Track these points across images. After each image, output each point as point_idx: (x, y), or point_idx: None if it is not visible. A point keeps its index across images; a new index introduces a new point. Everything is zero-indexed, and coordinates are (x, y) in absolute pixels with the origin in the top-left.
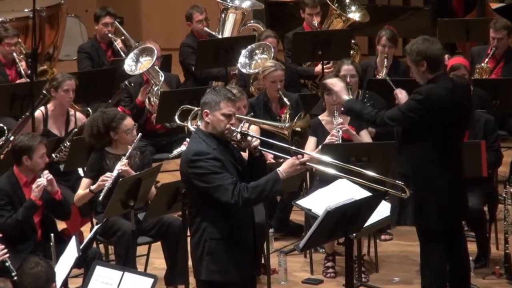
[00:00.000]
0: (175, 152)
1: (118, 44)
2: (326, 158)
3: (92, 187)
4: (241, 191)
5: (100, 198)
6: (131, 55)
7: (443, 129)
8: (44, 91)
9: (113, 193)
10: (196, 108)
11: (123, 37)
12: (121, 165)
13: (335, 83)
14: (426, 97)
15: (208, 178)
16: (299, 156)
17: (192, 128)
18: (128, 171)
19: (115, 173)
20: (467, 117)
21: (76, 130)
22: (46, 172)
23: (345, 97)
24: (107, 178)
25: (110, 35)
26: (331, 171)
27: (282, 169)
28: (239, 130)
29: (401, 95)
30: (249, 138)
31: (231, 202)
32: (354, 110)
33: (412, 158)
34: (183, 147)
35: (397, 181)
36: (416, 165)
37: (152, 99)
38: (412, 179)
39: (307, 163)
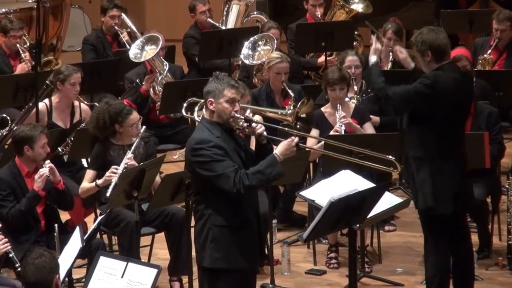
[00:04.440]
0: (179, 154)
1: (124, 36)
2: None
3: (99, 182)
4: (242, 179)
5: (108, 195)
6: (137, 42)
7: (448, 116)
8: (47, 82)
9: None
10: (202, 101)
11: (128, 30)
12: (127, 159)
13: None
14: (434, 82)
15: (210, 166)
16: (293, 137)
17: (197, 119)
18: (135, 166)
19: (121, 167)
20: (469, 107)
21: (83, 124)
22: (47, 161)
23: (373, 58)
24: (114, 174)
25: (116, 27)
26: (326, 152)
27: (278, 152)
28: (243, 117)
29: (402, 55)
30: (253, 124)
31: (233, 190)
32: (371, 73)
33: (420, 142)
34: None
35: (388, 156)
36: (424, 150)
37: (156, 88)
38: (423, 163)
39: (301, 144)
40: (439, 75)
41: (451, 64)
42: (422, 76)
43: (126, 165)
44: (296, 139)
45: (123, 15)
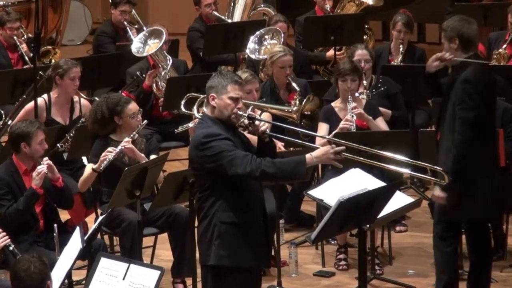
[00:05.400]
0: (181, 128)
1: (134, 34)
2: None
3: (94, 166)
4: (260, 162)
5: (101, 169)
6: (140, 36)
7: (486, 112)
8: (40, 72)
9: (112, 173)
10: (202, 96)
11: (136, 26)
12: (125, 142)
13: None
14: (475, 80)
15: (220, 156)
16: (334, 145)
17: (198, 116)
18: (132, 149)
19: (118, 149)
20: (495, 103)
21: (83, 120)
22: (45, 158)
23: None
24: (109, 153)
25: (125, 23)
26: (362, 159)
27: (314, 154)
28: (246, 114)
29: None
30: (256, 122)
31: (247, 170)
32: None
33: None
34: (190, 124)
35: (436, 167)
36: (471, 152)
37: (160, 83)
38: (468, 169)
39: (345, 154)
40: (473, 70)
41: (478, 57)
42: (462, 82)
43: (122, 147)
44: (339, 148)
45: (134, 11)
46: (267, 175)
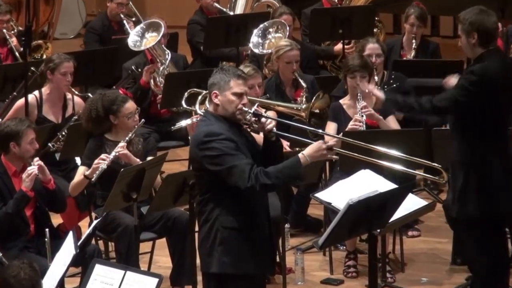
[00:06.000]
0: (178, 125)
1: (131, 27)
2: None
3: (87, 172)
4: (258, 175)
5: (93, 179)
6: (137, 29)
7: (498, 110)
8: (32, 68)
9: (107, 175)
10: (204, 91)
11: (134, 19)
12: (119, 147)
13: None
14: (481, 77)
15: (221, 159)
16: (326, 140)
17: (200, 112)
18: (127, 155)
19: (112, 154)
20: None
21: (75, 117)
22: (36, 159)
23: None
24: (102, 161)
25: (122, 16)
26: (356, 155)
27: (306, 153)
28: (251, 111)
29: (450, 82)
30: (263, 119)
31: (247, 185)
32: (394, 100)
33: (470, 143)
34: (189, 121)
35: (433, 164)
36: (475, 150)
37: (158, 79)
38: (472, 166)
39: (335, 148)
40: (486, 67)
41: (498, 51)
42: (467, 72)
43: (116, 153)
44: (330, 143)
45: (131, 4)
46: (267, 187)
